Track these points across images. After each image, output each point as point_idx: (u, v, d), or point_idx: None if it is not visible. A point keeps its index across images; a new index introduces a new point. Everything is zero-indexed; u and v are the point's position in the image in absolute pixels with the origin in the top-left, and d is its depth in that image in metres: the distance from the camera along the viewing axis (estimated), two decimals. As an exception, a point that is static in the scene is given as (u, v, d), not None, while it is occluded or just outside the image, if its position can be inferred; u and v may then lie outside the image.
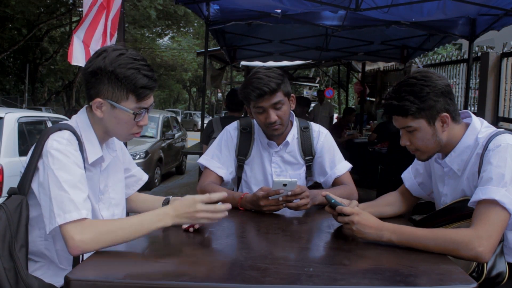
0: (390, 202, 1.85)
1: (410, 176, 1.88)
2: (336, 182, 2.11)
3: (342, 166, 2.13)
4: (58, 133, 1.41)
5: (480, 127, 1.58)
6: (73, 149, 1.41)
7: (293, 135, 2.10)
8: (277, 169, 2.10)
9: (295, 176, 2.09)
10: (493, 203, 1.38)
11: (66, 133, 1.42)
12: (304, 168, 2.13)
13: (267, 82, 1.90)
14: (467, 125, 1.61)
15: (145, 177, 1.84)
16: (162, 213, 1.37)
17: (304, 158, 2.12)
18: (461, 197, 1.61)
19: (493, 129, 1.57)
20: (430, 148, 1.59)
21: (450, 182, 1.66)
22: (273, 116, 1.93)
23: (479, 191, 1.43)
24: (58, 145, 1.38)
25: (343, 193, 1.97)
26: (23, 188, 1.41)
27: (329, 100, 12.75)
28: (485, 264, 1.41)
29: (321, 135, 2.15)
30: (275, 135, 2.03)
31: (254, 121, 2.13)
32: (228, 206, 1.43)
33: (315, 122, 2.33)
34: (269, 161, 2.10)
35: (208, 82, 10.20)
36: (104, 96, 1.44)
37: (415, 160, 1.86)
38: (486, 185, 1.42)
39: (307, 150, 2.12)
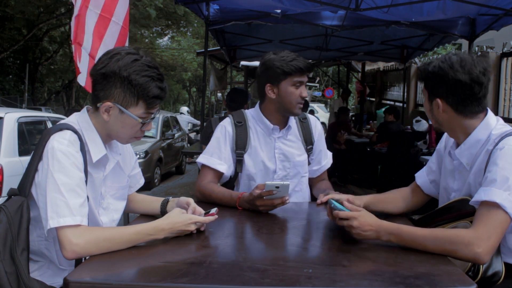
0: (398, 197, 1.84)
1: (422, 173, 1.87)
2: (322, 174, 2.27)
3: (330, 159, 2.29)
4: (60, 133, 1.40)
5: (495, 124, 1.57)
6: (75, 150, 1.39)
7: (293, 122, 2.16)
8: (280, 154, 2.11)
9: (299, 163, 2.14)
10: (495, 205, 1.37)
11: (68, 133, 1.41)
12: (306, 155, 2.18)
13: (305, 60, 2.03)
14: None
15: (142, 181, 1.84)
16: (157, 228, 1.39)
17: (306, 147, 2.17)
18: (464, 194, 1.60)
19: (508, 128, 1.56)
20: (430, 117, 1.69)
21: (459, 177, 1.65)
22: (306, 91, 2.06)
23: (481, 191, 1.42)
24: (59, 145, 1.37)
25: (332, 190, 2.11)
26: (24, 189, 1.40)
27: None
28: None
29: (318, 124, 2.26)
30: (299, 113, 2.10)
31: (248, 114, 2.15)
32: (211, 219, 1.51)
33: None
34: (272, 147, 2.11)
35: (216, 84, 10.23)
36: (115, 100, 1.44)
37: (430, 158, 1.87)
38: (489, 186, 1.41)
39: (308, 139, 2.19)
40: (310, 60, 9.14)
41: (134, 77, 1.41)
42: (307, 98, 2.43)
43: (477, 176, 1.56)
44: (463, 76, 1.52)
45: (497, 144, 1.49)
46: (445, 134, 1.79)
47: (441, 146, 1.82)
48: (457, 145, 1.65)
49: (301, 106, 2.07)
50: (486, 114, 1.60)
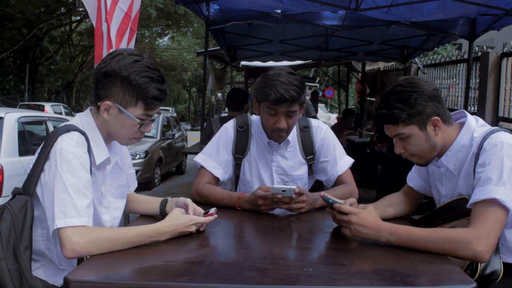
0: (393, 203, 1.83)
1: (413, 175, 1.87)
2: (338, 180, 2.08)
3: (344, 163, 2.10)
4: (68, 134, 1.41)
5: (475, 125, 1.59)
6: (82, 151, 1.41)
7: (293, 134, 2.07)
8: (277, 167, 2.08)
9: (298, 177, 2.09)
10: (492, 202, 1.38)
11: (76, 135, 1.42)
12: (306, 167, 2.11)
13: (289, 90, 1.82)
14: (462, 124, 1.61)
15: (135, 185, 1.83)
16: (159, 231, 1.40)
17: (305, 158, 2.10)
18: (458, 195, 1.61)
19: (488, 127, 1.58)
20: (426, 152, 1.60)
21: (447, 182, 1.66)
22: (283, 123, 1.89)
23: (478, 191, 1.42)
24: (68, 146, 1.38)
25: (344, 192, 1.97)
26: (28, 188, 1.41)
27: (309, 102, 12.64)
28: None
29: (321, 131, 2.11)
30: (278, 141, 2.02)
31: (252, 119, 2.11)
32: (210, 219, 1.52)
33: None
34: (270, 159, 2.08)
35: (214, 83, 10.25)
36: (114, 99, 1.45)
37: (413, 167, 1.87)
38: (484, 185, 1.42)
39: (308, 149, 2.10)
40: (310, 60, 9.18)
41: (133, 77, 1.42)
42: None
43: (467, 180, 1.57)
44: (430, 86, 1.55)
45: (481, 146, 1.50)
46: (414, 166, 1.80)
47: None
48: (439, 155, 1.65)
49: (280, 135, 1.95)
50: (466, 118, 1.61)
